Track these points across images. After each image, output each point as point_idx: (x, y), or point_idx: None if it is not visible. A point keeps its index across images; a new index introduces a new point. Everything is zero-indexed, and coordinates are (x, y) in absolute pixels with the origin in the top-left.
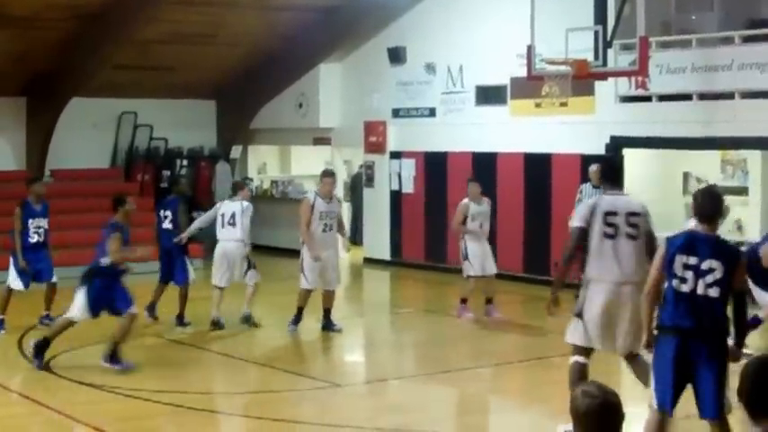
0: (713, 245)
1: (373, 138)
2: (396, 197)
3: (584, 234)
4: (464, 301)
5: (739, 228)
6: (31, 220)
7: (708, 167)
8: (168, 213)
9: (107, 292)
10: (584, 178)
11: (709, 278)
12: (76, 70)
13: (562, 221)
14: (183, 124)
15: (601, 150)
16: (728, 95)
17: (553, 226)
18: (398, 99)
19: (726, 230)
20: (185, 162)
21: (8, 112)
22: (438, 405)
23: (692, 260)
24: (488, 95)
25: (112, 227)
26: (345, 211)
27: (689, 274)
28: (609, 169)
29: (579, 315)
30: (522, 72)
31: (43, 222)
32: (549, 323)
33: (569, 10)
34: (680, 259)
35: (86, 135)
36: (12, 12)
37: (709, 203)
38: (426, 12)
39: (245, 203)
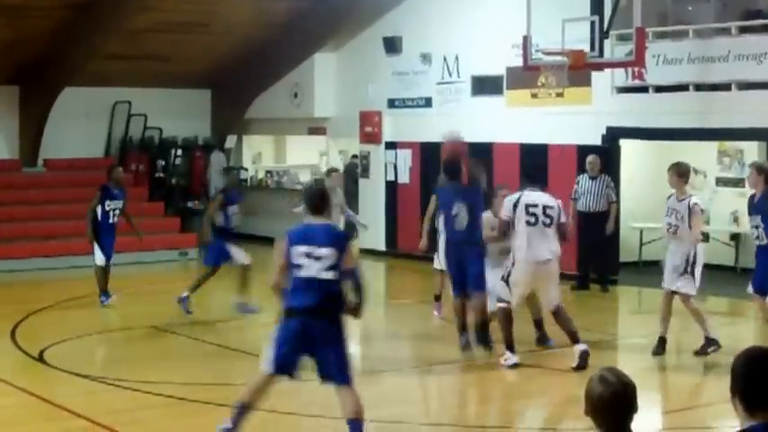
0: (326, 233)
1: (369, 128)
2: (391, 187)
3: (508, 225)
4: (437, 298)
5: (736, 219)
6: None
7: (704, 158)
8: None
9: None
10: (582, 169)
11: (325, 263)
12: (68, 59)
13: None
14: (177, 114)
15: (597, 141)
16: (725, 86)
17: None
18: (394, 89)
19: (724, 222)
20: (180, 152)
21: (0, 101)
22: (434, 396)
23: (309, 249)
24: (484, 86)
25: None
26: None
27: (307, 261)
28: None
29: (506, 281)
30: (519, 62)
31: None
32: (545, 314)
33: (566, 0)
34: (299, 249)
35: (80, 124)
36: (3, 0)
37: (310, 198)
38: (422, 1)
39: None
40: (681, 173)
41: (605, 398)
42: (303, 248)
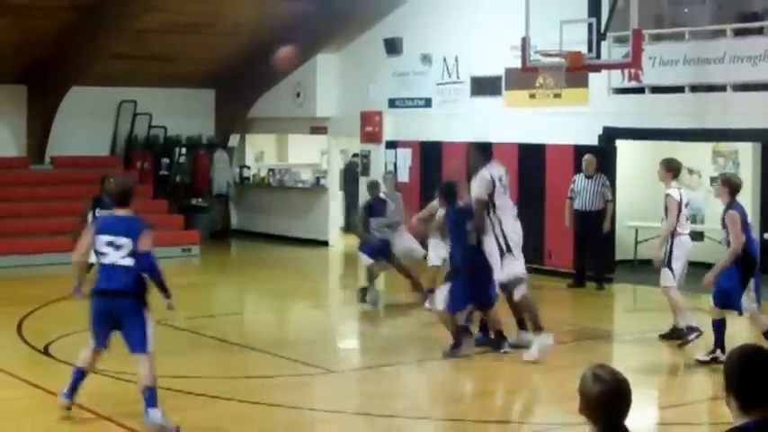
0: (126, 224)
1: (369, 127)
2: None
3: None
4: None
5: None
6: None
7: (699, 158)
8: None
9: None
10: (578, 168)
11: (124, 251)
12: (75, 59)
13: (555, 211)
14: (181, 113)
15: (594, 141)
16: (720, 88)
17: (547, 215)
18: (394, 89)
19: (718, 221)
20: (184, 150)
21: (8, 100)
22: (431, 392)
23: (112, 238)
24: (483, 86)
25: None
26: (339, 199)
27: (108, 249)
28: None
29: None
30: (517, 63)
31: None
32: (541, 312)
33: (563, 2)
34: (103, 238)
35: (86, 123)
36: (10, 0)
37: (118, 193)
38: (423, 3)
39: None
40: (668, 167)
41: (604, 395)
42: (107, 238)
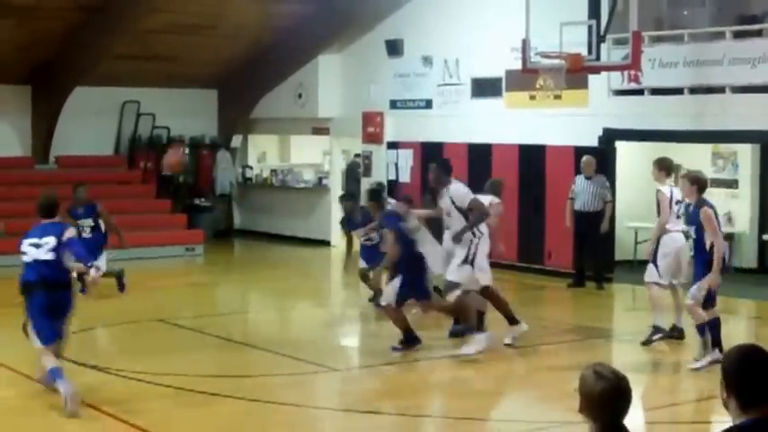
0: (52, 227)
1: (371, 128)
2: (392, 186)
3: None
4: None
5: (729, 219)
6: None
7: (698, 160)
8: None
9: None
10: (578, 169)
11: (46, 248)
12: (79, 60)
13: (556, 211)
14: (184, 113)
15: (594, 143)
16: (719, 90)
17: (547, 215)
18: (396, 90)
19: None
20: (187, 150)
21: (13, 100)
22: (431, 390)
23: (36, 240)
24: (484, 88)
25: None
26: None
27: (31, 249)
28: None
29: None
30: (517, 65)
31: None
32: (542, 311)
33: (563, 4)
34: (26, 241)
35: (90, 123)
36: (15, 1)
37: (43, 207)
38: (424, 5)
39: None
40: (661, 166)
41: (606, 393)
42: (31, 240)
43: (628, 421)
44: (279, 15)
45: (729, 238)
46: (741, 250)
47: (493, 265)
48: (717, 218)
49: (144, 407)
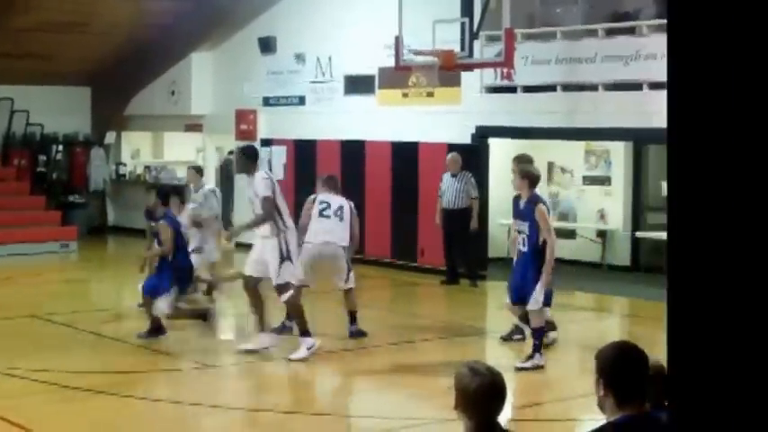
0: None
1: (244, 125)
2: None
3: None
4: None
5: (602, 217)
6: None
7: (572, 157)
8: None
9: None
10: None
11: None
12: None
13: (428, 208)
14: (58, 110)
15: (467, 140)
16: (592, 87)
17: (420, 212)
18: (269, 87)
19: (591, 219)
20: (61, 147)
21: None
22: (301, 386)
23: None
24: (357, 85)
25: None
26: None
27: None
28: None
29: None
30: (390, 62)
31: None
32: (415, 308)
33: (436, 2)
34: None
35: None
36: None
37: None
38: (297, 2)
39: None
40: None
41: (482, 389)
42: None
43: (505, 418)
44: (152, 13)
45: (602, 235)
46: (614, 248)
47: (366, 262)
48: (549, 214)
49: (17, 403)
